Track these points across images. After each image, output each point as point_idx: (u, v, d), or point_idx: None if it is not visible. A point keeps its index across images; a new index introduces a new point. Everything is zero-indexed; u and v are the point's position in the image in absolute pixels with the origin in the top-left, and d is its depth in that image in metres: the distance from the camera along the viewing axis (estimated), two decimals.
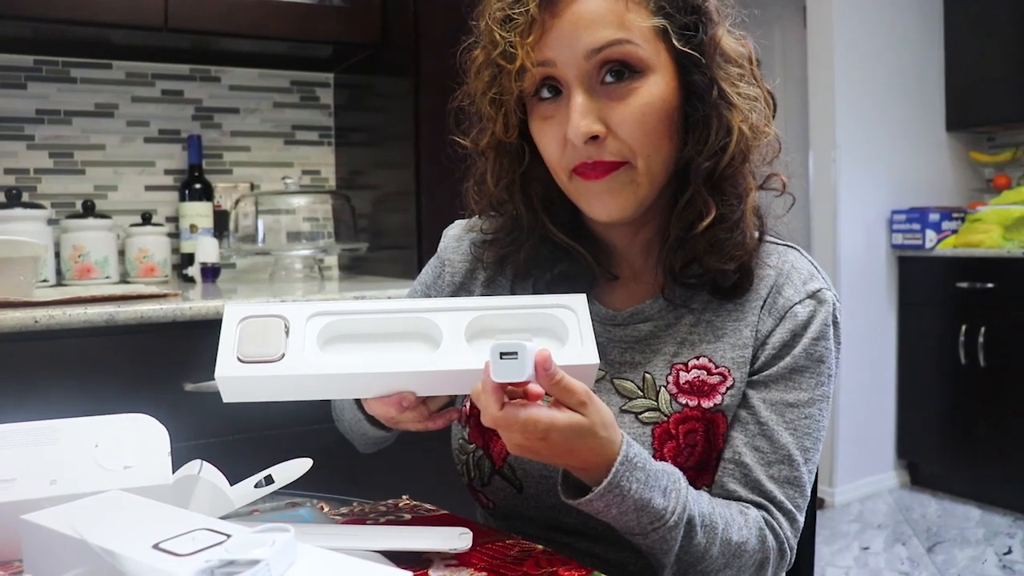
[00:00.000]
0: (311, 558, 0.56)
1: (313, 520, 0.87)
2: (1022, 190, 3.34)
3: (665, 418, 0.87)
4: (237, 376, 0.75)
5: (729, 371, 0.88)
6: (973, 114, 3.52)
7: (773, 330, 0.88)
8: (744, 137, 0.84)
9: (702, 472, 0.88)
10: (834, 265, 3.31)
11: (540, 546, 0.78)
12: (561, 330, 0.82)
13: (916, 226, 3.35)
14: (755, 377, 0.88)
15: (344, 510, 0.91)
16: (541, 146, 0.87)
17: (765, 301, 0.89)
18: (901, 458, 3.51)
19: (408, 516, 0.89)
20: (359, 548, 0.71)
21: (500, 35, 0.82)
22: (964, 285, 3.20)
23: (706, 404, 0.87)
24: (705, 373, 0.88)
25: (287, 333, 0.78)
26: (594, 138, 0.81)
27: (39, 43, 2.07)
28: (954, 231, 3.37)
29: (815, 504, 1.09)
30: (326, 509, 0.91)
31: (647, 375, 0.89)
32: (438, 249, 1.06)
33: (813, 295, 0.88)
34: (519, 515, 0.94)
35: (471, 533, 0.76)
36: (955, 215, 3.40)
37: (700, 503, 0.80)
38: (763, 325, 0.88)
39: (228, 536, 0.58)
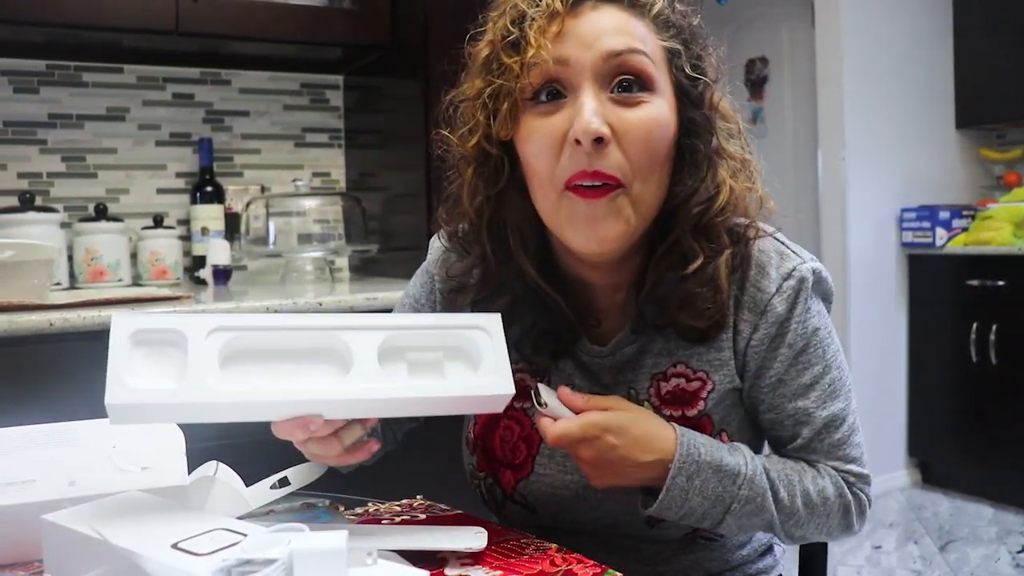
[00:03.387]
0: None
1: (329, 520, 0.88)
2: None
3: None
4: (129, 404, 0.67)
5: (708, 375, 0.87)
6: (983, 111, 3.50)
7: (756, 328, 0.85)
8: (732, 192, 0.84)
9: None
10: (844, 264, 3.29)
11: (554, 544, 0.79)
12: (475, 354, 0.78)
13: (926, 224, 3.34)
14: (763, 381, 0.87)
15: (359, 510, 0.92)
16: (531, 153, 0.81)
17: (740, 299, 0.86)
18: (912, 456, 3.50)
19: (423, 516, 0.89)
20: (375, 548, 0.72)
21: (514, 30, 0.80)
22: (975, 283, 3.19)
23: (690, 413, 0.88)
24: (684, 380, 0.88)
25: (185, 350, 0.69)
26: (599, 141, 0.77)
27: (51, 48, 2.08)
28: (964, 229, 3.35)
29: None
30: (341, 509, 0.92)
31: (631, 391, 0.89)
32: (427, 261, 1.03)
33: (788, 276, 0.85)
34: (536, 528, 0.94)
35: (486, 532, 0.76)
36: (965, 213, 3.38)
37: (767, 461, 0.85)
38: (743, 325, 0.86)
39: (245, 535, 0.59)
